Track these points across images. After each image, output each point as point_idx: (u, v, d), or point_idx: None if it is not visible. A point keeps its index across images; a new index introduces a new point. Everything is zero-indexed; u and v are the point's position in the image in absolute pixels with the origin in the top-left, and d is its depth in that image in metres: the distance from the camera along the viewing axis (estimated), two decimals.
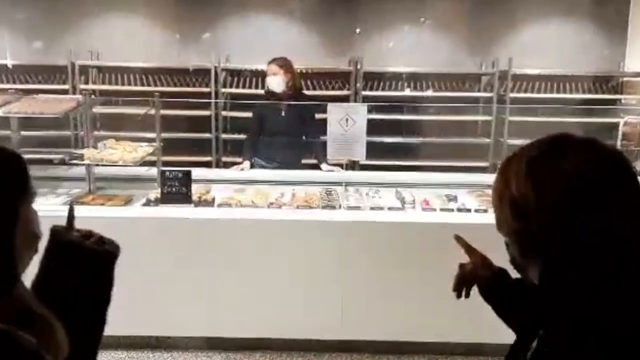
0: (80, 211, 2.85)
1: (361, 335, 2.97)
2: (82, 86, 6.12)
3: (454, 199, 3.33)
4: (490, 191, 2.99)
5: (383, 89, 6.31)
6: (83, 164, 3.12)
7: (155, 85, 6.21)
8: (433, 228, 2.84)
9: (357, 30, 6.44)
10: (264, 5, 6.49)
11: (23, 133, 5.90)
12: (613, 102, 6.46)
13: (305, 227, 2.88)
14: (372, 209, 3.04)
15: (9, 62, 6.07)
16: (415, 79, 6.38)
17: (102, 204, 3.04)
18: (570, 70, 6.26)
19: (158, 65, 6.30)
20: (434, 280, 2.83)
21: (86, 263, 1.14)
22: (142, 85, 6.25)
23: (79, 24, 6.44)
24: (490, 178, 3.64)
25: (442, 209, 3.06)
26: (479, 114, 6.38)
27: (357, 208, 3.04)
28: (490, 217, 2.84)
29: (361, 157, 3.02)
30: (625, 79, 6.45)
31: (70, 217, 1.21)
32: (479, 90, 6.46)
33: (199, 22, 6.47)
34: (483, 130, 6.40)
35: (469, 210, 3.03)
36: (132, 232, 2.85)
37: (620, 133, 5.91)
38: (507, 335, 1.12)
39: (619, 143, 5.93)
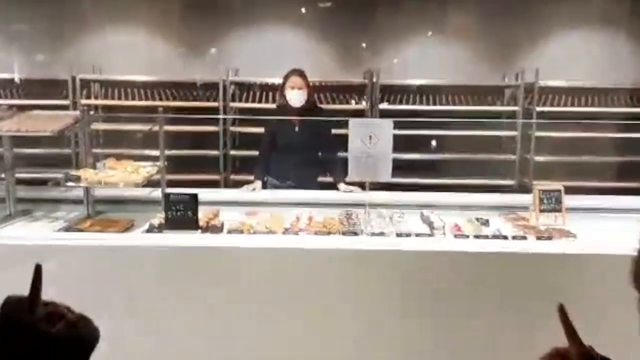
0: (76, 239, 2.70)
1: None
2: (84, 101, 5.98)
3: (486, 223, 3.10)
4: (524, 214, 2.76)
5: (400, 102, 6.10)
6: (79, 187, 2.91)
7: (160, 99, 6.05)
8: (468, 258, 2.60)
9: (364, 45, 6.26)
10: (274, 15, 6.32)
11: (23, 151, 5.87)
12: None
13: (325, 256, 2.64)
14: (398, 235, 2.80)
15: (16, 77, 5.93)
16: (434, 92, 6.17)
17: (100, 231, 2.83)
18: (602, 82, 6.01)
19: (163, 79, 6.14)
20: (469, 317, 2.61)
21: (54, 357, 0.86)
22: (147, 99, 6.09)
23: (81, 38, 6.31)
24: (522, 199, 3.45)
25: (475, 236, 2.82)
26: (503, 129, 6.14)
27: (382, 234, 2.80)
28: (530, 245, 2.62)
29: (386, 178, 2.79)
30: None
31: (35, 287, 0.95)
32: (502, 104, 6.23)
33: (206, 34, 6.32)
34: (507, 146, 6.17)
35: (505, 237, 2.79)
36: (134, 262, 2.65)
37: None
38: None
39: None
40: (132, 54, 6.29)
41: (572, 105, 6.01)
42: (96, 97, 6.19)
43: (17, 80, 5.99)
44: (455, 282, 2.59)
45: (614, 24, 6.18)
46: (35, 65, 6.23)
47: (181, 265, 2.65)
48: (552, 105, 6.03)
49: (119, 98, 6.13)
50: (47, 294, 2.58)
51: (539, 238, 2.79)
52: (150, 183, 3.28)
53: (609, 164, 6.10)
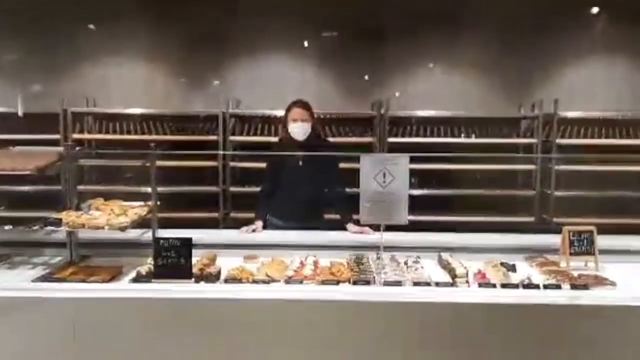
0: (55, 290, 2.46)
1: None
2: (76, 135, 5.81)
3: (512, 268, 2.86)
4: (552, 257, 2.50)
5: (410, 135, 5.91)
6: (60, 230, 2.69)
7: (157, 133, 5.88)
8: (496, 310, 2.35)
9: (370, 76, 6.10)
10: (276, 46, 6.21)
11: (10, 188, 5.69)
12: None
13: (333, 308, 2.40)
14: (415, 284, 2.55)
15: (7, 110, 5.77)
16: (446, 125, 5.98)
17: (82, 280, 2.59)
18: (625, 112, 5.80)
19: (160, 112, 5.99)
20: None
21: None
22: (143, 133, 5.92)
23: (75, 69, 6.20)
24: (548, 240, 3.20)
25: (503, 285, 2.57)
26: (520, 162, 5.92)
27: (397, 283, 2.55)
28: (566, 295, 2.36)
29: (403, 220, 2.55)
30: None
31: None
32: (518, 136, 6.02)
33: (206, 65, 6.20)
34: (525, 181, 5.94)
35: (537, 287, 2.54)
36: (119, 316, 2.41)
37: None
38: None
39: None
40: (128, 86, 6.17)
41: (593, 137, 5.80)
42: (89, 131, 6.02)
43: (7, 113, 5.83)
44: (483, 337, 2.34)
45: (635, 52, 6.01)
46: (26, 98, 6.08)
47: (172, 319, 2.41)
48: (571, 137, 5.81)
49: (114, 132, 5.97)
50: (24, 349, 2.34)
51: (573, 287, 2.53)
52: (141, 223, 3.06)
53: (637, 200, 5.86)
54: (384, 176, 2.49)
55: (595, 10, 6.03)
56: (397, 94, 6.09)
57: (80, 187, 3.11)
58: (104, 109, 6.05)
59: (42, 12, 5.97)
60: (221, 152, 5.69)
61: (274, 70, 6.14)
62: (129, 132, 5.94)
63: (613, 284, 2.59)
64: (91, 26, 6.15)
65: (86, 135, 5.94)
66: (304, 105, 3.71)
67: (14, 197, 5.82)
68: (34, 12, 5.98)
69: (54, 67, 6.16)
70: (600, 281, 2.63)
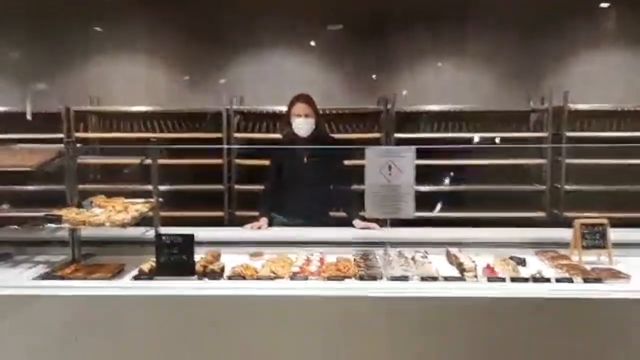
0: (56, 287, 2.45)
1: None
2: (79, 134, 5.82)
3: (522, 262, 2.81)
4: (564, 251, 2.45)
5: (417, 131, 5.87)
6: (62, 228, 2.68)
7: (161, 131, 5.88)
8: (506, 305, 2.31)
9: (376, 70, 6.06)
10: (280, 41, 6.18)
11: (12, 188, 5.69)
12: None
13: (340, 304, 2.36)
14: (423, 279, 2.52)
15: (9, 109, 5.78)
16: (453, 119, 5.94)
17: (84, 277, 2.58)
18: (636, 104, 5.74)
19: (163, 110, 5.97)
20: None
21: None
22: (146, 131, 5.92)
23: (77, 68, 6.21)
24: (559, 234, 3.16)
25: (512, 279, 2.52)
26: (530, 156, 5.86)
27: (404, 278, 2.52)
28: (579, 289, 2.32)
29: (409, 214, 2.51)
30: None
31: None
32: (527, 130, 5.97)
33: (209, 62, 6.19)
34: (535, 175, 5.88)
35: (547, 280, 2.49)
36: (121, 313, 2.39)
37: None
38: None
39: None
40: (131, 85, 6.18)
41: (604, 129, 5.74)
42: (93, 130, 6.03)
43: (10, 112, 5.83)
44: (493, 332, 2.30)
45: None
46: (30, 96, 6.09)
47: (174, 317, 2.38)
48: (582, 129, 5.75)
49: (117, 130, 5.97)
50: (25, 347, 2.33)
51: (586, 280, 2.49)
52: (144, 221, 3.04)
53: None
54: (390, 169, 2.46)
55: (605, 1, 5.97)
56: (404, 90, 6.05)
57: (83, 187, 3.09)
58: (107, 107, 6.05)
59: (44, 12, 5.98)
60: (226, 146, 5.67)
61: (278, 66, 6.12)
62: (132, 131, 5.93)
63: (627, 277, 2.54)
64: (95, 26, 6.15)
65: (89, 134, 5.95)
66: (307, 100, 3.67)
67: (17, 196, 5.83)
68: (37, 11, 5.99)
69: (57, 67, 6.17)
70: (614, 274, 2.58)
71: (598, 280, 2.49)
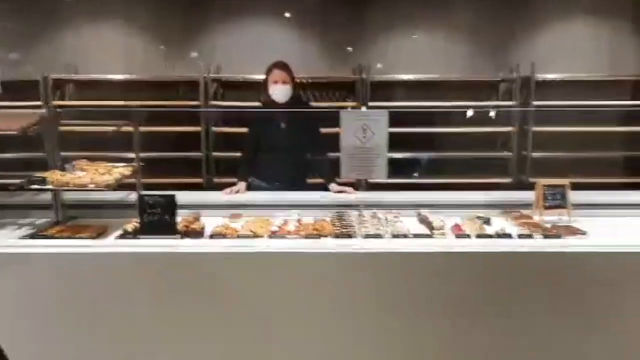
0: (43, 246, 2.51)
1: None
2: (57, 102, 5.77)
3: (487, 221, 2.96)
4: (527, 211, 2.60)
5: (392, 100, 5.96)
6: (45, 190, 2.72)
7: (139, 99, 5.85)
8: (471, 259, 2.44)
9: (352, 39, 6.10)
10: (258, 10, 6.17)
11: None
12: None
13: (316, 260, 2.47)
14: (395, 236, 2.64)
15: None
16: (426, 88, 6.04)
17: (69, 237, 2.64)
18: (600, 74, 5.91)
19: (141, 78, 5.95)
20: (474, 320, 2.46)
21: None
22: (124, 100, 5.89)
23: (55, 36, 6.13)
24: (524, 196, 3.30)
25: (478, 235, 2.67)
26: (499, 124, 6.01)
27: (377, 236, 2.64)
28: (537, 244, 2.47)
29: (382, 175, 2.62)
30: None
31: None
32: (497, 99, 6.10)
33: (186, 30, 6.16)
34: (505, 142, 6.04)
35: (509, 236, 2.64)
36: (106, 269, 2.46)
37: None
38: None
39: None
40: (108, 53, 6.12)
41: (571, 98, 5.90)
42: (70, 98, 5.99)
43: None
44: (458, 284, 2.43)
45: (613, 14, 6.09)
46: (5, 66, 6.01)
47: (158, 273, 2.46)
48: (549, 99, 5.91)
49: (95, 99, 5.93)
50: (11, 305, 2.40)
51: (546, 236, 2.64)
52: (126, 186, 3.10)
53: (611, 159, 6.01)
54: (364, 132, 2.56)
55: None
56: (379, 59, 6.11)
57: (64, 154, 3.12)
58: (85, 75, 6.00)
59: None
60: (201, 110, 5.69)
61: (255, 35, 6.12)
62: (110, 99, 5.91)
63: (583, 233, 2.70)
64: None
65: (67, 102, 5.91)
66: (284, 67, 3.73)
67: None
68: None
69: (34, 35, 6.08)
70: (571, 231, 2.74)
71: (557, 236, 2.64)
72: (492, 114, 5.37)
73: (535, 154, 5.79)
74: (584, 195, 3.23)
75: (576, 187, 3.13)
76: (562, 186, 3.09)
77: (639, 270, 2.40)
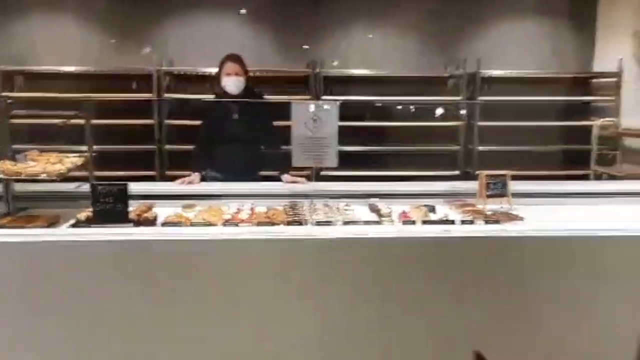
0: None
1: None
2: (7, 93, 5.63)
3: (433, 209, 3.07)
4: (471, 200, 2.73)
5: (345, 94, 6.06)
6: None
7: (91, 92, 5.77)
8: (416, 243, 2.55)
9: (306, 47, 6.16)
10: (212, 3, 6.16)
11: None
12: (587, 103, 6.40)
13: (268, 246, 2.53)
14: (345, 223, 2.72)
15: None
16: (378, 84, 6.16)
17: (21, 226, 2.62)
18: (542, 71, 6.16)
19: (93, 71, 5.86)
20: (419, 301, 2.56)
21: None
22: (76, 93, 5.79)
23: (3, 27, 5.96)
24: (469, 186, 3.44)
25: (423, 222, 2.78)
26: (447, 119, 6.19)
27: (328, 223, 2.72)
28: (478, 229, 2.59)
29: (332, 163, 2.69)
30: (595, 80, 6.39)
31: None
32: (445, 95, 6.28)
33: (139, 22, 6.09)
34: (452, 136, 6.22)
35: (452, 222, 2.76)
36: (58, 259, 2.45)
37: (594, 136, 5.85)
38: None
39: (594, 147, 5.87)
40: (59, 45, 5.99)
41: (515, 94, 6.12)
42: (20, 90, 5.85)
43: None
44: (404, 268, 2.53)
45: (556, 13, 6.34)
46: None
47: (111, 261, 2.47)
48: (494, 94, 6.11)
49: (46, 91, 5.81)
50: None
51: (487, 222, 2.78)
52: (78, 178, 3.08)
53: (552, 153, 6.27)
54: (314, 121, 2.62)
55: None
56: (332, 54, 6.19)
57: (15, 146, 3.07)
58: (35, 67, 5.87)
59: None
60: (154, 99, 5.65)
61: (208, 29, 6.11)
62: (61, 92, 5.80)
63: (521, 219, 2.85)
64: None
65: (16, 94, 5.77)
66: (237, 59, 3.76)
67: None
68: None
69: None
70: (510, 217, 2.88)
71: (496, 221, 2.78)
72: (439, 113, 5.55)
73: (482, 148, 5.98)
74: (524, 185, 3.39)
75: (518, 178, 3.29)
76: (503, 176, 3.23)
77: (570, 252, 2.55)
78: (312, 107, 2.62)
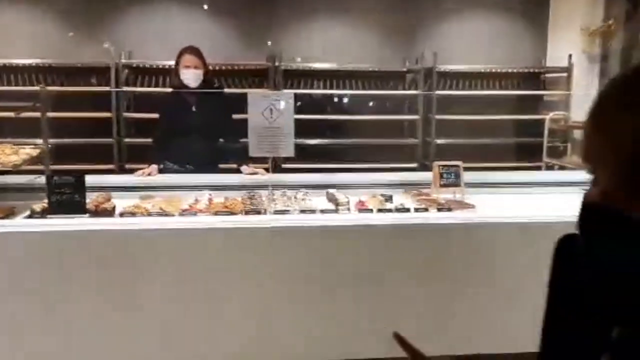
0: None
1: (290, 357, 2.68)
2: None
3: (389, 198, 3.14)
4: (426, 190, 2.81)
5: (305, 87, 6.09)
6: None
7: (48, 85, 5.65)
8: (371, 231, 2.61)
9: (269, 43, 6.17)
10: None
11: None
12: (539, 98, 6.59)
13: (226, 235, 2.55)
14: (302, 212, 2.77)
15: None
16: (338, 77, 6.21)
17: None
18: (497, 66, 6.31)
19: (50, 63, 5.75)
20: (375, 288, 2.63)
21: None
22: (32, 85, 5.67)
23: None
24: (425, 176, 3.53)
25: (379, 210, 2.84)
26: (405, 113, 6.29)
27: (286, 212, 2.75)
28: (431, 216, 2.67)
29: (289, 152, 2.73)
30: (547, 75, 6.59)
31: None
32: (403, 88, 6.38)
33: (97, 14, 5.98)
34: (411, 130, 6.33)
35: (407, 210, 2.83)
36: (13, 249, 2.43)
37: (546, 129, 6.03)
38: None
39: (545, 140, 6.05)
40: (17, 37, 5.85)
41: (471, 88, 6.26)
42: None
43: None
44: (360, 255, 2.59)
45: (510, 10, 6.50)
46: None
47: (68, 253, 2.46)
48: (450, 88, 6.24)
49: (1, 84, 5.67)
50: None
51: (439, 210, 2.86)
52: (34, 172, 3.04)
53: (506, 145, 6.43)
54: (271, 112, 2.65)
55: None
56: (293, 47, 6.20)
57: None
58: None
59: None
60: (112, 90, 5.58)
61: (167, 21, 6.05)
62: (16, 85, 5.67)
63: (473, 207, 2.94)
64: None
65: None
66: (196, 52, 3.74)
67: None
68: None
69: None
70: (462, 205, 2.97)
71: (449, 209, 2.87)
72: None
73: (439, 141, 6.10)
74: (476, 175, 3.49)
75: (473, 170, 3.39)
76: (457, 166, 3.32)
77: (517, 237, 2.65)
78: (268, 97, 2.65)
